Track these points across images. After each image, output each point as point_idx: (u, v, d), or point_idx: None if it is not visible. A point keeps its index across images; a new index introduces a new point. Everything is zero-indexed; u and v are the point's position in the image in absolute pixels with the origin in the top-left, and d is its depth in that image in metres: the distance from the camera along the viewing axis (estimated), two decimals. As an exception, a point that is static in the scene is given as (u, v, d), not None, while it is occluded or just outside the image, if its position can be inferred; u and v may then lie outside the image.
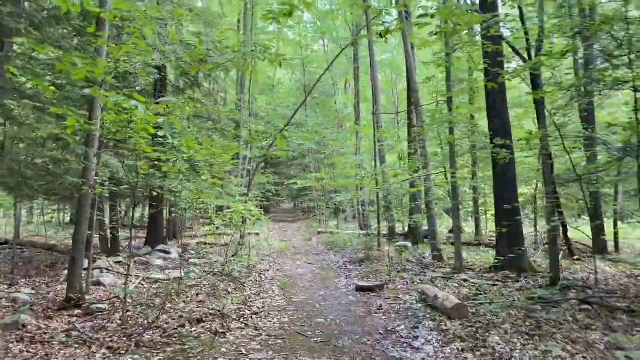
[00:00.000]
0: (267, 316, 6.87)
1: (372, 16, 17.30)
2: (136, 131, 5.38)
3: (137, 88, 12.46)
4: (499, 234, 11.15)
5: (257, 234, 19.93)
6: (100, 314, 7.01)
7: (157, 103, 8.22)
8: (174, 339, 5.60)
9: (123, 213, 25.93)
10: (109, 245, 13.75)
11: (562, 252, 14.17)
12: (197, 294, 8.16)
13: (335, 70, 31.09)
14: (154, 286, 9.70)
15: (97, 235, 13.59)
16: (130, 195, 13.86)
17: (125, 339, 5.67)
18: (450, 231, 22.10)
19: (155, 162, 6.79)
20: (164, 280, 10.08)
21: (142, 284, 9.91)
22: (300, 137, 24.90)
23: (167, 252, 13.12)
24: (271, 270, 11.43)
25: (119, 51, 8.24)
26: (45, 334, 6.14)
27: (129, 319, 6.49)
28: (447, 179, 20.86)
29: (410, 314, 6.96)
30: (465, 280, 9.92)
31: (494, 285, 9.44)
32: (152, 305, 7.22)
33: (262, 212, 13.75)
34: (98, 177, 7.96)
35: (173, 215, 12.95)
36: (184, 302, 7.60)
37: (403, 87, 30.29)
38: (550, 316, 6.63)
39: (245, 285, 9.32)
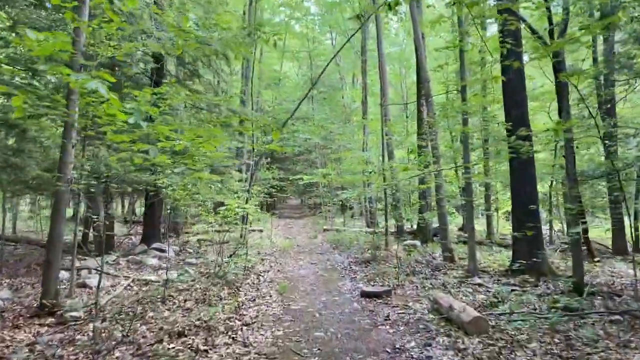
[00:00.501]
0: (259, 328, 6.02)
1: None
2: (106, 116, 4.55)
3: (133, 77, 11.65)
4: (515, 230, 10.24)
5: (261, 231, 19.12)
6: (74, 323, 6.21)
7: (154, 94, 7.38)
8: (146, 359, 4.76)
9: (124, 208, 25.28)
10: (103, 243, 13.00)
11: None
12: (186, 300, 7.33)
13: (343, 64, 30.17)
14: (143, 288, 8.91)
15: (91, 233, 12.89)
16: (129, 189, 13.11)
17: (92, 356, 4.85)
18: (460, 229, 21.16)
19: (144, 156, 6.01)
20: (155, 282, 9.28)
21: (131, 286, 9.12)
22: (307, 131, 24.04)
23: (163, 251, 12.33)
24: (271, 272, 10.59)
25: (95, 31, 7.44)
26: (7, 347, 5.35)
27: (103, 331, 5.67)
28: (457, 174, 19.97)
29: (421, 326, 6.09)
30: (480, 285, 9.03)
31: (511, 290, 8.55)
32: (131, 313, 6.40)
33: (264, 209, 13.03)
34: (76, 170, 7.14)
35: (169, 211, 12.12)
36: (169, 309, 6.78)
37: (412, 81, 29.27)
38: (583, 332, 5.72)
39: (241, 289, 8.48)
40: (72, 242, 8.61)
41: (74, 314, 6.45)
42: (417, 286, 8.69)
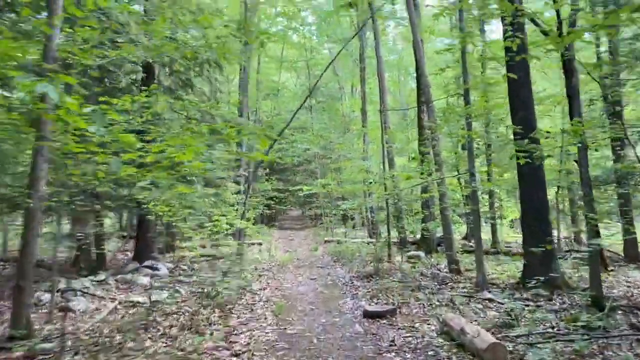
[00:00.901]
0: (250, 359, 5.34)
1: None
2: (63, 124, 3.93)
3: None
4: (525, 241, 9.57)
5: (260, 244, 18.43)
6: (44, 357, 5.53)
7: (134, 101, 6.78)
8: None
9: (122, 224, 24.59)
10: (95, 262, 12.34)
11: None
12: (171, 326, 6.64)
13: (342, 74, 29.64)
14: (130, 311, 8.23)
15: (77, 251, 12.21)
16: (121, 205, 12.44)
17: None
18: (464, 238, 20.45)
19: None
20: (143, 304, 8.59)
21: (118, 309, 8.44)
22: (306, 140, 23.43)
23: (156, 269, 11.64)
24: (268, 289, 9.90)
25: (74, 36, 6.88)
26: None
27: (73, 367, 4.99)
28: (460, 182, 19.29)
29: (430, 353, 5.40)
30: (490, 300, 8.34)
31: (525, 305, 7.87)
32: (109, 345, 5.72)
33: (264, 221, 12.36)
34: (49, 186, 6.50)
35: (162, 226, 11.48)
36: (152, 338, 6.09)
37: (411, 88, 28.73)
38: (610, 356, 5.04)
39: (234, 310, 7.80)
40: (54, 261, 7.97)
41: (46, 345, 5.77)
42: (423, 303, 8.00)
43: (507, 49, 9.12)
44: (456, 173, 13.28)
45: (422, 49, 12.18)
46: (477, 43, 10.23)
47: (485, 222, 24.84)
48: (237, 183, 18.45)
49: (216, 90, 13.29)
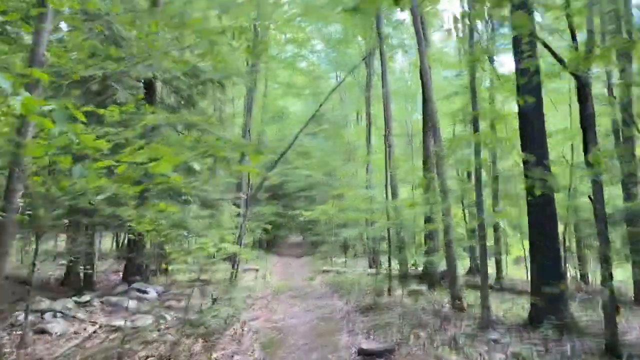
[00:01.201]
0: (229, 400, 4.76)
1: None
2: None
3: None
4: (534, 278, 8.99)
5: (257, 270, 17.80)
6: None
7: (123, 112, 6.41)
8: None
9: (117, 243, 24.04)
10: (82, 282, 11.79)
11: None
12: (148, 357, 6.06)
13: (347, 101, 29.48)
14: (111, 336, 7.65)
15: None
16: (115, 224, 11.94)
17: None
18: (468, 272, 19.73)
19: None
20: (125, 329, 8.01)
21: (97, 333, 7.87)
22: (308, 166, 22.99)
23: (144, 292, 11.07)
24: (259, 320, 9.29)
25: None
26: None
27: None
28: (464, 215, 18.71)
29: (431, 402, 4.79)
30: (495, 341, 7.72)
31: (534, 349, 7.27)
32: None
33: (262, 246, 11.74)
34: (25, 199, 6.03)
35: (144, 246, 10.95)
36: (125, 369, 5.51)
37: (417, 119, 28.46)
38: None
39: (219, 341, 7.21)
40: (28, 281, 7.45)
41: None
42: (424, 343, 7.38)
43: (521, 73, 8.77)
44: (462, 204, 12.68)
45: (429, 74, 11.82)
46: (486, 69, 9.83)
47: (489, 257, 24.20)
48: (237, 206, 17.97)
49: (218, 109, 12.92)
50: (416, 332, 8.07)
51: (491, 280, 17.14)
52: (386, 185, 13.77)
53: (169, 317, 8.78)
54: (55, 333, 7.70)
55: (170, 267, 7.61)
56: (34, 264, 7.00)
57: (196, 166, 3.63)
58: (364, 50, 24.83)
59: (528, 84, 8.24)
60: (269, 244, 27.05)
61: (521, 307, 11.20)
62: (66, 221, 9.87)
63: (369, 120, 22.23)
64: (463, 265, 20.95)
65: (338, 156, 25.51)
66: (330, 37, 26.84)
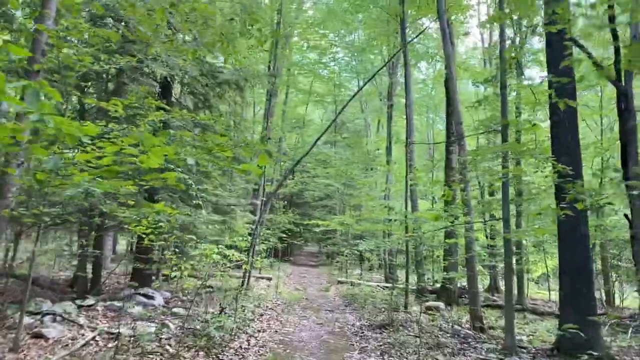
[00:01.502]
0: None
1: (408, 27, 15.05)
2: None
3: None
4: (563, 302, 8.28)
5: (269, 279, 17.27)
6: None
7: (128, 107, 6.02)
8: None
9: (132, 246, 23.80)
10: (88, 285, 11.42)
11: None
12: (141, 372, 5.57)
13: (368, 110, 28.97)
14: (109, 344, 7.19)
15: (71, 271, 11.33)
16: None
17: None
18: (487, 290, 18.92)
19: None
20: (127, 336, 7.55)
21: (97, 341, 7.42)
22: (327, 175, 22.47)
23: (151, 297, 10.64)
24: (267, 332, 8.75)
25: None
26: None
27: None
28: (485, 231, 17.94)
29: None
30: (520, 369, 7.05)
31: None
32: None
33: (277, 256, 11.18)
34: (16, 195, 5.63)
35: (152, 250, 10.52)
36: (114, 385, 5.02)
37: (439, 130, 27.82)
38: None
39: (222, 355, 6.68)
40: (25, 280, 7.05)
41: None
42: (443, 367, 6.75)
43: (551, 83, 8.14)
44: (486, 219, 11.97)
45: (455, 81, 11.23)
46: (513, 80, 9.24)
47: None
48: (253, 213, 17.52)
49: (235, 113, 12.51)
50: (434, 354, 7.44)
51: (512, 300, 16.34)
52: (406, 198, 13.14)
53: (172, 326, 8.29)
54: (52, 338, 7.28)
55: (171, 273, 7.08)
56: (30, 266, 6.58)
57: (190, 160, 3.11)
58: (386, 59, 24.37)
59: (563, 91, 7.62)
60: (284, 253, 26.54)
61: (546, 331, 10.48)
62: (72, 220, 9.48)
63: (390, 129, 21.66)
64: (482, 283, 20.12)
65: (357, 165, 24.95)
66: (353, 45, 26.41)
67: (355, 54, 26.43)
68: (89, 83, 11.29)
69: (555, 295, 18.01)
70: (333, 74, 28.31)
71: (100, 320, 8.70)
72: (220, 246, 6.72)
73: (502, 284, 20.17)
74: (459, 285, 15.06)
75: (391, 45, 22.66)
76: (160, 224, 5.89)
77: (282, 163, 26.21)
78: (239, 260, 7.41)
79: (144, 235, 6.21)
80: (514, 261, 17.13)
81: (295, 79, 27.59)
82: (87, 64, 6.52)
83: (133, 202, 4.82)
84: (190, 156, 3.33)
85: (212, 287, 11.90)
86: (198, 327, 7.92)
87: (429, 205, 21.69)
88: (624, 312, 14.56)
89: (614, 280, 17.44)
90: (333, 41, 25.98)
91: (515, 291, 17.04)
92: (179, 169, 4.95)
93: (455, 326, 10.41)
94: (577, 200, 6.38)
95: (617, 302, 16.95)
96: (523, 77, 16.08)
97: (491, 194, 18.65)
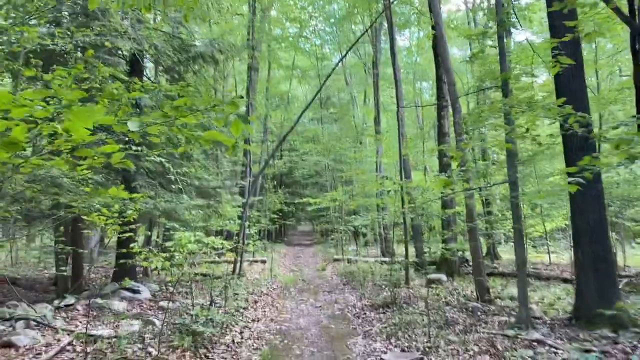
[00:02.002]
0: None
1: None
2: None
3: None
4: (580, 266, 7.59)
5: (264, 262, 16.55)
6: None
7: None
8: None
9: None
10: (68, 283, 10.56)
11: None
12: (117, 382, 4.78)
13: (353, 83, 27.98)
14: (88, 348, 6.39)
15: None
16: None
17: None
18: (486, 256, 18.35)
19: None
20: (107, 338, 6.75)
21: (74, 345, 6.62)
22: (316, 151, 21.62)
23: (136, 291, 9.84)
24: (262, 321, 8.01)
25: None
26: None
27: None
28: (481, 197, 17.26)
29: None
30: (539, 342, 6.39)
31: (586, 351, 5.95)
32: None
33: (270, 237, 10.43)
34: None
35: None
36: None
37: (427, 100, 26.91)
38: None
39: (211, 354, 5.91)
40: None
41: None
42: (457, 349, 6.03)
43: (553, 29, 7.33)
44: (492, 183, 11.22)
45: (445, 40, 10.34)
46: (517, 27, 8.36)
47: (504, 241, 22.67)
48: (242, 195, 16.67)
49: (211, 89, 11.55)
50: (445, 334, 6.73)
51: (508, 266, 15.75)
52: (401, 169, 12.34)
53: (157, 322, 7.51)
54: (23, 346, 6.48)
55: (146, 265, 6.26)
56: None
57: (133, 125, 2.24)
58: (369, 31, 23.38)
59: (565, 45, 6.80)
60: (277, 234, 25.80)
61: (556, 298, 9.84)
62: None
63: (377, 99, 20.72)
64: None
65: (347, 140, 24.09)
66: (333, 15, 25.27)
67: (336, 25, 25.31)
68: (53, 65, 10.27)
69: (556, 258, 17.51)
70: (314, 47, 27.20)
71: (80, 321, 7.89)
72: (198, 233, 5.90)
73: (499, 251, 19.65)
74: (459, 254, 14.41)
75: (373, 12, 21.62)
76: (129, 211, 5.06)
77: (268, 143, 25.27)
78: (221, 248, 6.58)
79: (104, 226, 5.36)
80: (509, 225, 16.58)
81: (277, 54, 26.44)
82: (33, 37, 5.59)
83: (89, 189, 3.98)
84: (135, 120, 2.46)
85: (201, 275, 11.14)
86: (187, 321, 7.14)
87: (420, 175, 20.90)
88: (628, 270, 14.02)
89: (616, 238, 16.90)
90: (312, 13, 24.82)
91: (511, 257, 16.50)
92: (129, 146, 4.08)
93: (462, 300, 9.75)
94: (595, 157, 5.60)
95: (620, 261, 16.44)
96: (512, 36, 15.23)
97: (484, 159, 17.94)
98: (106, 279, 12.65)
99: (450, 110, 10.96)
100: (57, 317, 7.87)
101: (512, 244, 16.28)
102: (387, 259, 16.02)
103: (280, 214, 20.90)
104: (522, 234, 7.85)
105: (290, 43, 25.06)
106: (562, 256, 17.75)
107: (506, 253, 19.58)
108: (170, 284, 10.86)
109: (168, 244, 5.88)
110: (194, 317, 6.86)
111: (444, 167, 13.19)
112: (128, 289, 9.96)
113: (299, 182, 27.67)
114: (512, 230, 15.26)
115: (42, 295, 10.93)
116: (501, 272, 14.40)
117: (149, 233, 10.29)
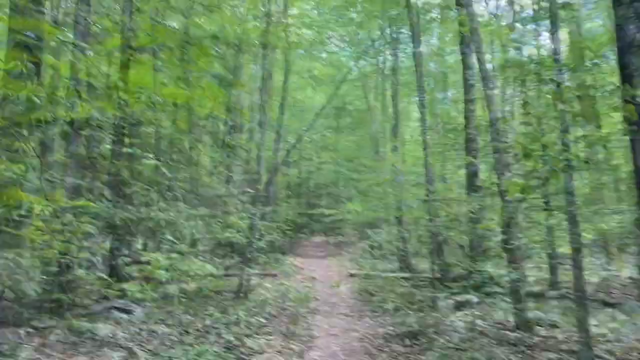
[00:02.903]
0: None
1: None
2: None
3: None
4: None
5: (275, 275, 15.18)
6: None
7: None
8: None
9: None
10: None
11: None
12: None
13: (370, 91, 26.76)
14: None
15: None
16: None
17: None
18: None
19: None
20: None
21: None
22: (333, 160, 20.34)
23: (128, 312, 8.49)
24: (266, 355, 6.58)
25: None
26: None
27: None
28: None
29: None
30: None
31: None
32: None
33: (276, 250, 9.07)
34: None
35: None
36: None
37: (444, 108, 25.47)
38: None
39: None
40: None
41: None
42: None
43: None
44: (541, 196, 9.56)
45: (480, 34, 8.93)
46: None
47: (536, 256, 20.81)
48: (254, 205, 15.37)
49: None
50: (492, 382, 5.24)
51: (546, 286, 14.02)
52: (427, 179, 10.89)
53: (140, 354, 6.14)
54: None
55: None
56: None
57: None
58: (387, 35, 22.25)
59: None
60: (290, 246, 24.43)
61: (618, 328, 8.16)
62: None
63: (397, 107, 19.31)
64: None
65: (365, 149, 22.74)
66: (351, 23, 24.11)
67: (354, 32, 24.19)
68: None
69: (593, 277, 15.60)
70: (332, 54, 26.14)
71: (49, 354, 6.51)
72: (173, 255, 4.58)
73: (582, 274, 17.33)
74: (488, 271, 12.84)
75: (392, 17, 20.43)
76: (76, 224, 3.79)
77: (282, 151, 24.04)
78: (208, 274, 5.24)
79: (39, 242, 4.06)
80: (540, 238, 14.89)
81: (293, 61, 25.36)
82: None
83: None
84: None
85: (206, 292, 9.79)
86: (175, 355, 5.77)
87: (446, 187, 19.33)
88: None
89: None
90: (329, 19, 23.79)
91: (546, 275, 14.67)
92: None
93: (497, 330, 8.19)
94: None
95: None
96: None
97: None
98: (99, 295, 11.28)
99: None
100: (24, 349, 6.47)
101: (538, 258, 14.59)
102: (407, 275, 14.57)
103: (293, 225, 19.56)
104: (581, 252, 6.32)
105: (306, 50, 23.98)
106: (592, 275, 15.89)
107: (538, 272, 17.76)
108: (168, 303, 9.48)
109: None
110: (186, 351, 5.48)
111: (470, 178, 11.80)
112: (120, 309, 8.62)
113: (313, 192, 26.33)
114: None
115: (27, 316, 9.61)
116: (528, 290, 12.71)
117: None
